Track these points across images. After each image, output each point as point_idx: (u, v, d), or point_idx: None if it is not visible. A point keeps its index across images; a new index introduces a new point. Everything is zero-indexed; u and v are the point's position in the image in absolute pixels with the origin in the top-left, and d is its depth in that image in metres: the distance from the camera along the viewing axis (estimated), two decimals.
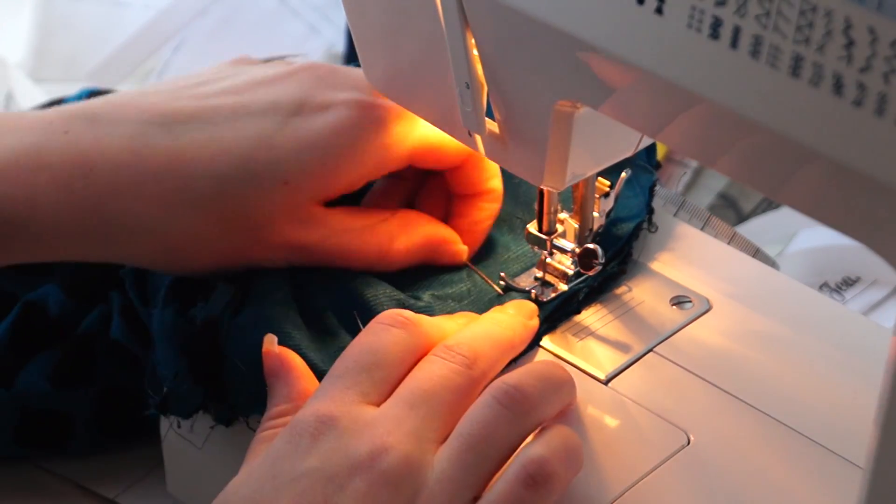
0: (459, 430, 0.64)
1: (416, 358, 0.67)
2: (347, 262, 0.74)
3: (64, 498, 0.81)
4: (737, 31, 0.52)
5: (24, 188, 0.68)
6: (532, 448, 0.64)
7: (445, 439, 0.64)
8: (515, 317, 0.72)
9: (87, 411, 0.80)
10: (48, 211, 0.69)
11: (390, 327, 0.68)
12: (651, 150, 0.81)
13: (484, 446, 0.63)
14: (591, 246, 0.74)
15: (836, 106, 0.50)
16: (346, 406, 0.65)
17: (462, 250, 0.77)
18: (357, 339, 0.68)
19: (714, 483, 0.67)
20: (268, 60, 0.78)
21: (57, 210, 0.69)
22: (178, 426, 0.74)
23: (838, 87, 0.50)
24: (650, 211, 0.79)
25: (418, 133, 0.74)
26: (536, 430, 0.66)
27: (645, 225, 0.79)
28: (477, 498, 0.63)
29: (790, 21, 0.50)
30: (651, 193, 0.79)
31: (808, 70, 0.50)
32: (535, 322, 0.72)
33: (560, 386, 0.68)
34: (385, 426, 0.63)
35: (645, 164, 0.80)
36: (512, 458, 0.64)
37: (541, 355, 0.73)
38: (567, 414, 0.69)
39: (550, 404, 0.67)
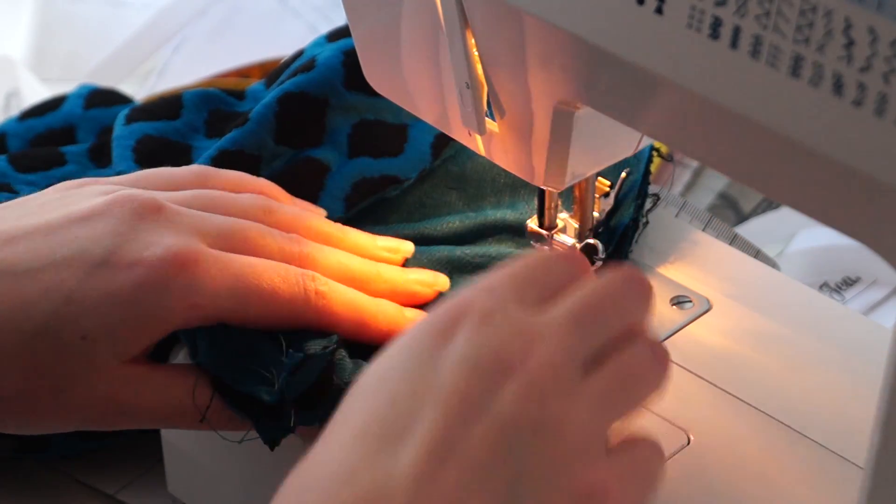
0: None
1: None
2: (169, 422, 0.71)
3: (63, 493, 0.81)
4: (737, 31, 0.52)
5: None
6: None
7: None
8: None
9: None
10: None
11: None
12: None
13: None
14: (591, 241, 0.74)
15: (836, 106, 0.50)
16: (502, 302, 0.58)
17: None
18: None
19: (714, 483, 0.67)
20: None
21: None
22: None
23: (838, 86, 0.50)
24: (642, 200, 0.78)
25: (235, 290, 0.68)
26: None
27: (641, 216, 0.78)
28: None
29: (790, 21, 0.50)
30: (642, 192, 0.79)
31: (808, 70, 0.50)
32: None
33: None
34: (539, 330, 0.57)
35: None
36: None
37: None
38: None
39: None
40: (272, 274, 0.69)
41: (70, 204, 0.70)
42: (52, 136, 0.90)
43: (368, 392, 0.56)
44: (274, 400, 0.67)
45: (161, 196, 0.70)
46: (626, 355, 0.58)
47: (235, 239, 0.70)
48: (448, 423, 0.54)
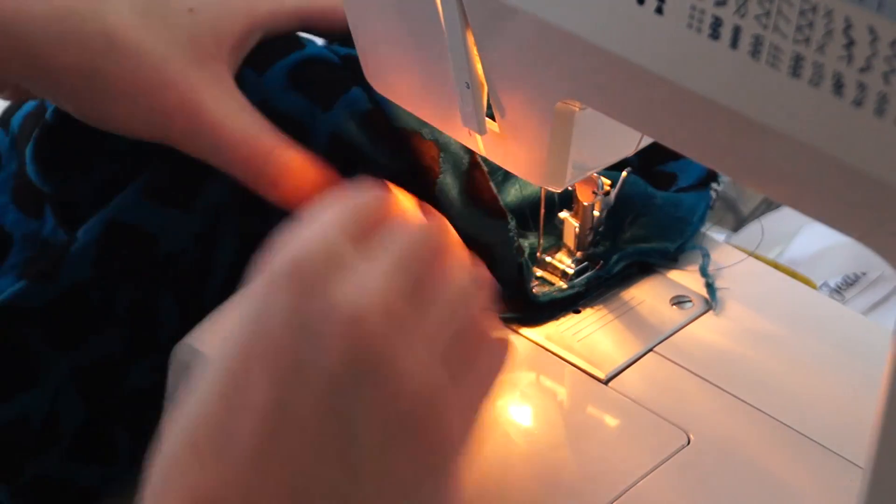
0: None
1: None
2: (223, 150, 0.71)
3: None
4: (737, 31, 0.52)
5: None
6: None
7: None
8: None
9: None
10: None
11: None
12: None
13: None
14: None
15: (836, 106, 0.50)
16: None
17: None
18: None
19: (714, 483, 0.67)
20: None
21: None
22: None
23: (838, 86, 0.50)
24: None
25: None
26: None
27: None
28: None
29: (790, 21, 0.50)
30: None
31: (808, 70, 0.50)
32: None
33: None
34: None
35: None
36: None
37: (541, 355, 0.74)
38: None
39: None
40: None
41: None
42: None
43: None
44: None
45: None
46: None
47: None
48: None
